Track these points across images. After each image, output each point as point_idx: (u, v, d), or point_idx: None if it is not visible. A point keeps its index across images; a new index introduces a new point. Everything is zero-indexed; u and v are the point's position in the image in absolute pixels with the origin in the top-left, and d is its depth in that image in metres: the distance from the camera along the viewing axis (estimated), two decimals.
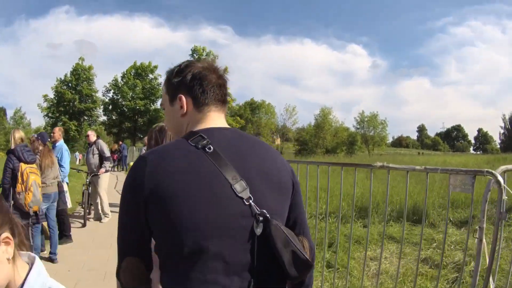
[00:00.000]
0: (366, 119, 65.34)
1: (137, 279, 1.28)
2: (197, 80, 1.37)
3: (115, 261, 1.33)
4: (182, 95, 1.39)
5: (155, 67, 47.90)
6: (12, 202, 4.81)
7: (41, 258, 5.62)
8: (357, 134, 65.25)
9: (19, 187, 4.79)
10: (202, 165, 1.22)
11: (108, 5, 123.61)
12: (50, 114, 45.84)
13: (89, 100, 46.03)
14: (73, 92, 44.73)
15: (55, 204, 6.14)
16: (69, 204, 6.98)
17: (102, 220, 8.67)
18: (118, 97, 47.83)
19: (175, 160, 1.23)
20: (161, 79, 36.07)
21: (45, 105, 46.05)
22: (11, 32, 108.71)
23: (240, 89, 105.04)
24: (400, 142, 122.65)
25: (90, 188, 8.55)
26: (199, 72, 1.38)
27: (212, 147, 1.26)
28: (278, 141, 70.67)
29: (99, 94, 47.43)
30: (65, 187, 6.81)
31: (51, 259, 5.75)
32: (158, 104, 46.11)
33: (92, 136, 8.71)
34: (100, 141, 8.69)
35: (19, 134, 5.12)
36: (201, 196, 1.19)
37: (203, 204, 1.19)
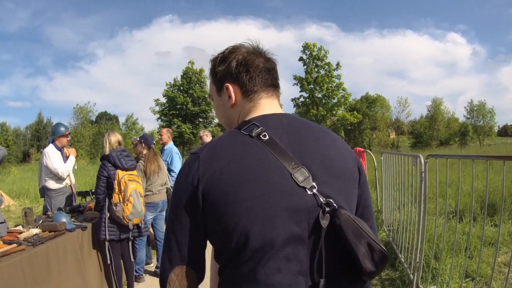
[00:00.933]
0: (475, 108, 63.53)
1: None
2: (243, 67, 1.31)
3: None
4: (229, 84, 1.34)
5: None
6: (107, 214, 4.63)
7: (147, 272, 5.81)
8: (468, 125, 64.74)
9: (115, 198, 4.54)
10: (258, 154, 1.17)
11: (211, 12, 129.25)
12: (163, 117, 47.77)
13: (203, 103, 47.70)
14: (185, 95, 46.82)
15: (164, 213, 5.98)
16: None
17: None
18: None
19: (228, 153, 1.18)
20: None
21: (157, 108, 48.09)
22: (116, 44, 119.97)
23: (351, 85, 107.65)
24: (505, 131, 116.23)
25: None
26: (244, 57, 1.32)
27: (267, 135, 1.20)
28: (393, 135, 69.64)
29: None
30: None
31: (157, 274, 5.60)
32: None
33: (206, 137, 8.26)
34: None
35: (115, 137, 4.82)
36: (260, 189, 1.13)
37: (263, 198, 1.13)
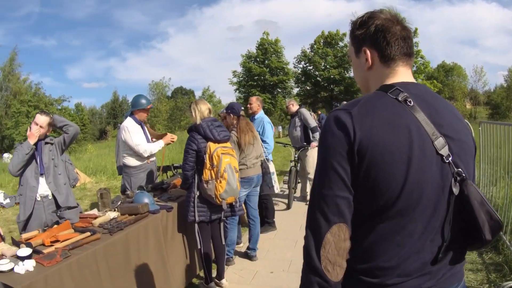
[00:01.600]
0: None
1: (341, 255, 1.22)
2: (381, 33, 1.36)
3: None
4: (366, 48, 1.40)
5: (344, 34, 47.14)
6: (197, 193, 4.05)
7: (236, 253, 5.42)
8: None
9: (207, 174, 3.92)
10: (407, 118, 1.23)
11: None
12: (241, 89, 48.56)
13: (281, 73, 47.79)
14: (262, 66, 47.20)
15: (258, 189, 5.46)
16: (277, 189, 5.82)
17: (307, 203, 7.60)
18: (310, 67, 49.04)
19: (380, 113, 1.23)
20: None
21: (235, 80, 48.88)
22: (187, 22, 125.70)
23: (424, 53, 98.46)
24: None
25: (299, 165, 8.04)
26: (382, 24, 1.36)
27: (412, 101, 1.26)
28: (469, 105, 67.13)
29: (290, 66, 49.29)
30: (271, 167, 5.69)
31: (249, 256, 5.21)
32: (352, 72, 46.12)
33: (293, 106, 7.98)
34: (303, 110, 7.90)
35: (204, 104, 4.19)
36: (407, 151, 1.19)
37: (414, 162, 1.18)
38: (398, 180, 1.17)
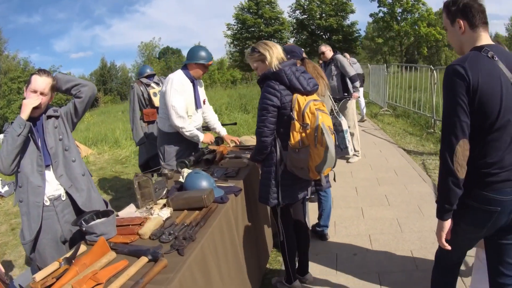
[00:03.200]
0: None
1: (465, 160, 1.92)
2: (468, 8, 1.99)
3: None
4: (460, 19, 2.03)
5: None
6: (281, 167, 2.92)
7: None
8: None
9: (295, 139, 2.79)
10: (498, 70, 1.91)
11: None
12: (235, 42, 48.46)
13: (276, 23, 47.56)
14: (256, 17, 46.85)
15: None
16: (351, 150, 4.53)
17: (349, 160, 7.25)
18: (305, 16, 48.47)
19: (482, 66, 1.89)
20: None
21: (229, 33, 48.65)
22: None
23: None
24: None
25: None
26: (467, 2, 1.99)
27: (496, 57, 1.92)
28: None
29: (285, 16, 49.10)
30: (344, 124, 4.34)
31: (320, 235, 4.32)
32: (350, 21, 46.61)
33: (329, 52, 6.93)
34: (340, 57, 6.81)
35: (276, 46, 2.97)
36: (499, 91, 1.88)
37: (502, 96, 1.88)
38: (496, 108, 1.88)
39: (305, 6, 47.29)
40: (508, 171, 1.93)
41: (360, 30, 47.25)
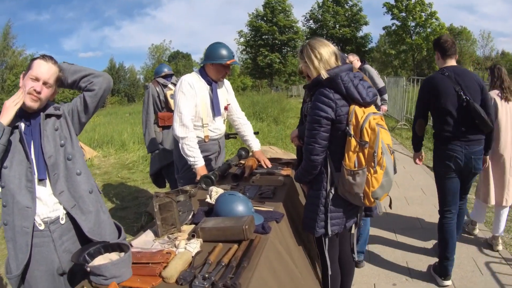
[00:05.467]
0: None
1: (422, 129, 3.65)
2: (445, 44, 3.47)
3: None
4: (437, 51, 3.57)
5: None
6: (331, 191, 2.51)
7: None
8: None
9: (352, 160, 2.39)
10: (446, 81, 3.36)
11: None
12: (248, 49, 49.25)
13: (290, 31, 48.62)
14: (270, 24, 47.85)
15: None
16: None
17: None
18: (318, 26, 50.24)
19: (437, 79, 3.41)
20: (362, 5, 44.84)
21: (241, 40, 49.56)
22: None
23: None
24: None
25: None
26: (445, 40, 3.48)
27: (447, 73, 3.36)
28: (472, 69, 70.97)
29: (299, 25, 50.78)
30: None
31: (355, 262, 3.27)
32: (363, 32, 49.07)
33: (357, 62, 6.35)
34: (368, 67, 6.42)
35: (327, 47, 2.52)
36: (447, 93, 3.32)
37: (448, 96, 3.32)
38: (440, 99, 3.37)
39: (319, 16, 48.93)
40: (452, 133, 3.38)
41: (372, 41, 49.39)
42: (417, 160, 3.92)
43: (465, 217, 4.27)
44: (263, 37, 48.16)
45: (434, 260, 3.84)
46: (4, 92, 44.49)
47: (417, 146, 3.84)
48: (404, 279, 3.71)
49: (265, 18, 48.33)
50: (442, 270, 3.57)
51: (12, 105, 2.06)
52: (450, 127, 3.34)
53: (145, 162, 9.31)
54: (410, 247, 4.34)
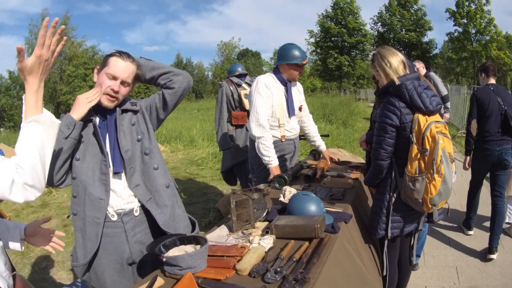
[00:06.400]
0: None
1: (475, 129, 4.59)
2: (487, 67, 4.60)
3: None
4: (483, 73, 4.70)
5: None
6: (393, 195, 2.69)
7: None
8: None
9: (413, 166, 2.53)
10: (490, 92, 4.42)
11: None
12: (318, 50, 49.08)
13: (359, 34, 48.19)
14: (339, 26, 47.59)
15: None
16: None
17: None
18: (386, 29, 49.56)
19: (482, 92, 4.45)
20: (426, 9, 45.06)
21: (312, 40, 49.31)
22: None
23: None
24: None
25: None
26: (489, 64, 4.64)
27: (492, 88, 4.43)
28: None
29: (367, 28, 50.14)
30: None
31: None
32: (428, 37, 48.10)
33: (422, 69, 6.47)
34: (433, 75, 6.53)
35: (395, 56, 2.68)
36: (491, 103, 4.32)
37: (491, 107, 4.32)
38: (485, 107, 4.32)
39: (386, 19, 47.99)
40: (491, 133, 4.30)
41: (436, 47, 48.08)
42: (466, 165, 4.72)
43: (504, 224, 4.76)
44: (333, 38, 47.39)
45: (481, 265, 4.19)
46: (63, 82, 45.48)
47: (469, 146, 4.59)
48: (452, 283, 3.89)
49: (334, 20, 47.82)
50: (467, 224, 5.01)
51: (85, 102, 2.08)
52: (489, 128, 4.31)
53: (214, 159, 9.48)
54: (460, 252, 4.54)
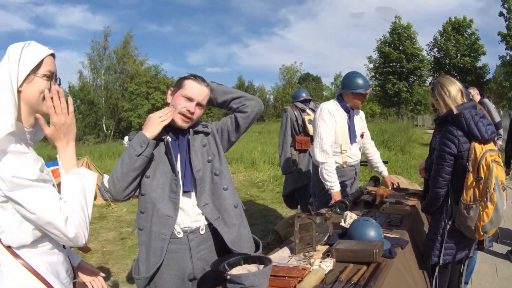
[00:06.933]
0: None
1: None
2: None
3: None
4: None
5: (471, 21, 46.94)
6: (448, 223, 2.81)
7: None
8: None
9: (469, 194, 2.64)
10: None
11: None
12: (377, 75, 49.06)
13: (416, 59, 47.97)
14: (397, 51, 47.56)
15: None
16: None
17: None
18: (441, 55, 49.18)
19: None
20: (480, 33, 44.31)
21: (371, 66, 49.45)
22: (306, 9, 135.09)
23: None
24: None
25: None
26: None
27: None
28: None
29: (424, 53, 49.73)
30: None
31: None
32: (481, 62, 47.07)
33: (477, 95, 6.55)
34: (487, 101, 6.56)
35: (454, 84, 2.84)
36: None
37: None
38: None
39: (442, 44, 47.56)
40: None
41: (489, 72, 47.05)
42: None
43: None
44: (391, 64, 47.34)
45: None
46: (124, 99, 46.49)
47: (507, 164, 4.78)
48: None
49: (392, 45, 47.71)
50: None
51: (158, 121, 2.16)
52: None
53: (275, 182, 9.58)
54: (507, 280, 4.44)
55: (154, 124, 2.16)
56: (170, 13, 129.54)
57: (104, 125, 49.17)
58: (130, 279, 4.55)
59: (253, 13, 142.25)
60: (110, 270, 4.87)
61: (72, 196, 1.53)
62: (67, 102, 1.56)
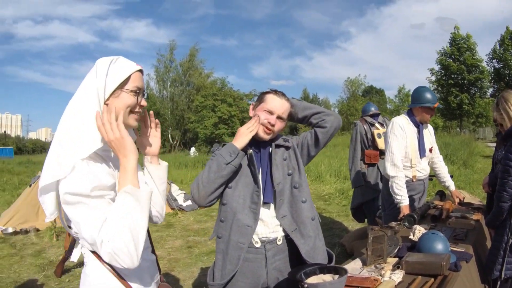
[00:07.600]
0: None
1: None
2: None
3: None
4: None
5: None
6: (510, 237, 2.87)
7: None
8: None
9: None
10: None
11: None
12: (439, 88, 48.29)
13: (476, 71, 47.06)
14: (458, 63, 46.75)
15: None
16: None
17: None
18: (501, 65, 47.88)
19: None
20: None
21: (433, 78, 48.90)
22: (367, 22, 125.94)
23: None
24: None
25: None
26: None
27: None
28: None
29: (484, 64, 48.29)
30: None
31: None
32: None
33: None
34: None
35: None
36: None
37: None
38: None
39: (501, 55, 46.41)
40: None
41: None
42: None
43: None
44: (452, 76, 46.53)
45: None
46: (191, 111, 46.97)
47: None
48: None
49: (452, 56, 46.80)
50: None
51: (246, 132, 2.25)
52: None
53: (341, 195, 9.61)
54: None
55: (243, 135, 2.26)
56: (233, 27, 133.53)
57: (170, 135, 50.24)
58: (196, 286, 4.67)
59: (315, 26, 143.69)
60: (177, 277, 5.04)
61: (117, 217, 1.43)
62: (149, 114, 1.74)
